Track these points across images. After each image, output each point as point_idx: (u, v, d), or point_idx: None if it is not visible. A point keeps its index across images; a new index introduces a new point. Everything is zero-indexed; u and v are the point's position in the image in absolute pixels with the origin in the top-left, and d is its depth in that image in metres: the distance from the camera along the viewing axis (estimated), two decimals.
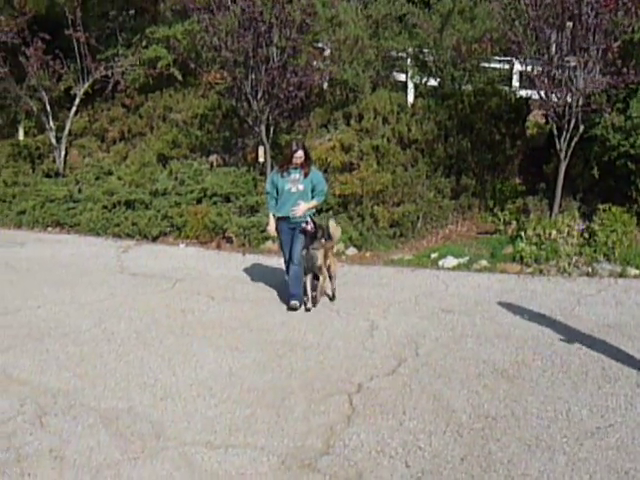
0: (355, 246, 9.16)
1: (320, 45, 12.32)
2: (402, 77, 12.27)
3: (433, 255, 8.57)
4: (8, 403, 4.53)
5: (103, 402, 4.57)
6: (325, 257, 6.84)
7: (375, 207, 9.59)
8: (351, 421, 4.24)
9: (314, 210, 6.97)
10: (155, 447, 3.95)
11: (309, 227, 6.54)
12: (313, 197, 6.80)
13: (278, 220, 6.84)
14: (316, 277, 6.89)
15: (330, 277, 6.99)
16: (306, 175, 6.71)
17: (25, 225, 11.78)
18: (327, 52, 12.37)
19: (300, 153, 6.65)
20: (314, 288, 6.83)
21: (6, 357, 5.40)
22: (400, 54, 12.27)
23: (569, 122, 8.49)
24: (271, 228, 6.98)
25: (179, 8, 14.02)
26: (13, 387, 4.81)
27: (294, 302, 6.65)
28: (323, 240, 6.68)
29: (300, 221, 6.64)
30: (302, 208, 6.68)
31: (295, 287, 6.73)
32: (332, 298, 6.97)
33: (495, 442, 3.94)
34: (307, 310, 6.65)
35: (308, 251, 6.62)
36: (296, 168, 6.68)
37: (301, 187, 6.69)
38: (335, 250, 7.38)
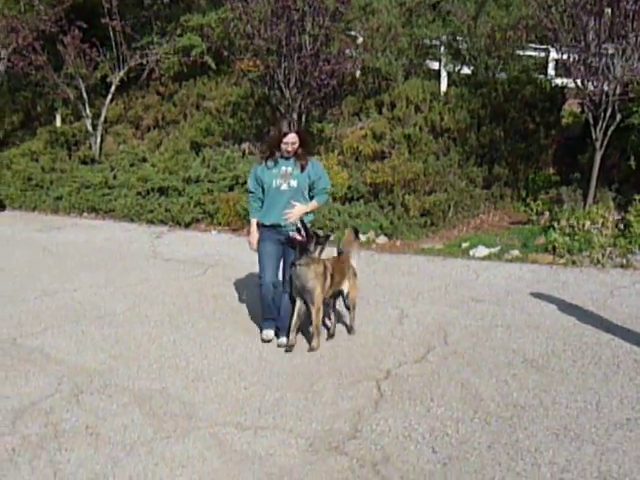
0: (385, 235, 9.17)
1: (353, 33, 12.28)
2: (435, 65, 12.19)
3: (464, 244, 8.53)
4: (46, 381, 4.67)
5: (137, 382, 4.68)
6: (337, 279, 5.32)
7: (406, 196, 9.57)
8: (379, 406, 4.28)
9: (312, 215, 5.43)
10: (187, 427, 4.04)
11: (298, 235, 5.01)
12: (312, 197, 5.30)
13: (263, 229, 5.29)
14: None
15: (348, 307, 5.61)
16: (302, 168, 5.18)
17: (62, 210, 12.02)
18: (360, 40, 12.33)
19: (293, 137, 5.10)
20: (299, 327, 5.29)
21: (44, 338, 5.56)
22: (433, 42, 12.19)
23: (605, 111, 8.35)
24: (254, 240, 5.37)
25: None
26: (51, 366, 4.95)
27: (268, 332, 5.39)
28: (316, 253, 5.08)
29: (292, 229, 5.12)
30: (298, 211, 5.16)
31: (274, 313, 5.37)
32: (350, 330, 5.58)
33: (523, 430, 3.94)
34: (287, 350, 5.19)
35: (295, 267, 5.07)
36: (288, 158, 5.17)
37: (294, 183, 5.15)
38: (355, 264, 5.63)
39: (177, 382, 4.69)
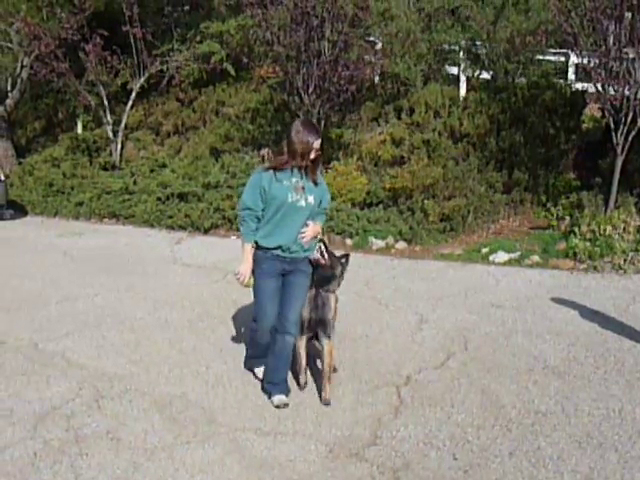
0: (405, 240, 9.13)
1: (372, 39, 12.29)
2: (454, 70, 12.17)
3: (484, 250, 8.48)
4: (67, 386, 4.71)
5: (157, 388, 4.70)
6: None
7: (425, 201, 9.54)
8: (399, 413, 4.26)
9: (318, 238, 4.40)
10: (207, 432, 4.05)
11: (322, 258, 4.31)
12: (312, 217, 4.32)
13: (261, 258, 4.28)
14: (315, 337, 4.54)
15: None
16: (315, 182, 4.29)
17: (82, 216, 12.13)
18: (379, 46, 12.34)
19: (319, 143, 4.20)
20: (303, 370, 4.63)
21: (65, 342, 5.60)
22: (452, 47, 12.17)
23: (626, 115, 8.27)
24: (247, 272, 4.32)
25: (232, 3, 14.22)
26: (72, 371, 5.00)
27: (280, 397, 4.36)
28: (341, 279, 4.46)
29: (302, 254, 4.30)
30: (312, 231, 4.28)
31: (282, 370, 4.42)
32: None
33: (545, 438, 3.90)
34: (301, 386, 4.59)
35: (318, 295, 4.38)
36: (300, 168, 4.21)
37: (311, 199, 4.23)
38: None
39: (197, 387, 4.70)
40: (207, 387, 4.71)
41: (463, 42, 11.94)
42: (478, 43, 11.79)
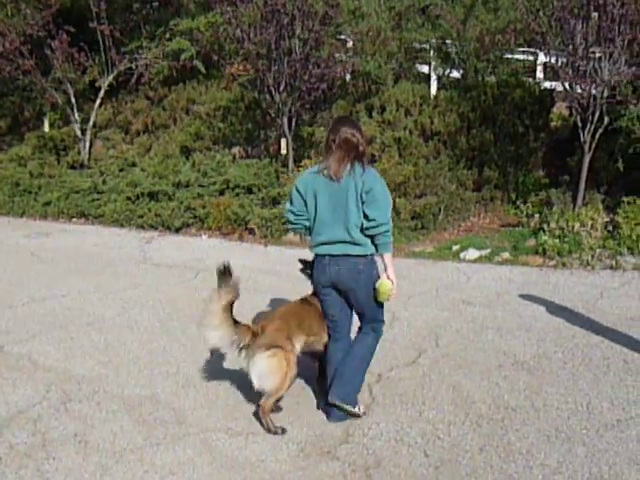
0: None
1: (342, 37, 12.29)
2: (425, 69, 12.22)
3: (455, 247, 8.54)
4: (34, 389, 4.63)
5: (126, 389, 4.65)
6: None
7: (397, 199, 9.56)
8: (370, 410, 4.26)
9: None
10: (177, 433, 4.01)
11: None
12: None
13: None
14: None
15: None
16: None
17: (50, 216, 11.92)
18: (349, 44, 12.34)
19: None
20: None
21: (32, 344, 5.51)
22: (423, 46, 12.21)
23: (594, 114, 8.38)
24: None
25: (202, 0, 14.08)
26: (39, 374, 4.91)
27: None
28: None
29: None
30: None
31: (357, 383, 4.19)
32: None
33: (514, 433, 3.94)
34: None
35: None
36: None
37: None
38: None
39: (167, 388, 4.65)
40: (177, 388, 4.66)
41: (433, 41, 11.99)
42: (448, 42, 11.85)
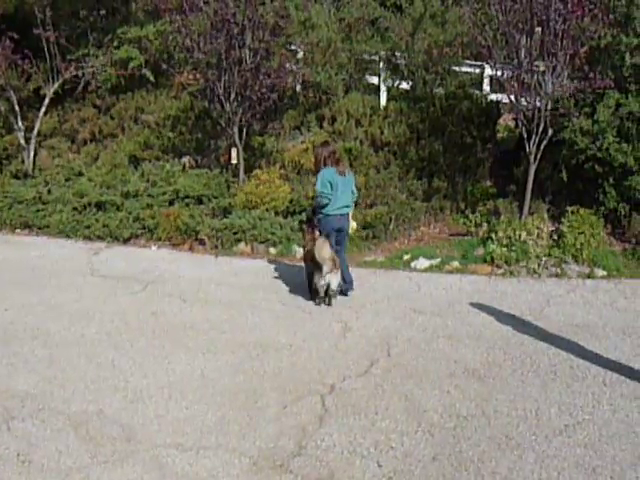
0: None
1: (293, 47, 12.32)
2: (375, 80, 12.35)
3: (405, 257, 8.61)
4: None
5: (72, 405, 4.51)
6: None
7: None
8: (323, 422, 4.24)
9: None
10: (125, 450, 3.91)
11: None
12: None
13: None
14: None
15: None
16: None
17: None
18: (300, 55, 12.39)
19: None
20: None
21: None
22: (372, 57, 12.35)
23: (538, 126, 8.60)
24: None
25: (151, 9, 13.92)
26: None
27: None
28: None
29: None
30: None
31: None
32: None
33: (466, 441, 3.98)
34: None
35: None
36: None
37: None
38: None
39: (115, 403, 4.53)
40: (126, 402, 4.55)
41: (383, 52, 12.14)
42: (397, 54, 12.01)
